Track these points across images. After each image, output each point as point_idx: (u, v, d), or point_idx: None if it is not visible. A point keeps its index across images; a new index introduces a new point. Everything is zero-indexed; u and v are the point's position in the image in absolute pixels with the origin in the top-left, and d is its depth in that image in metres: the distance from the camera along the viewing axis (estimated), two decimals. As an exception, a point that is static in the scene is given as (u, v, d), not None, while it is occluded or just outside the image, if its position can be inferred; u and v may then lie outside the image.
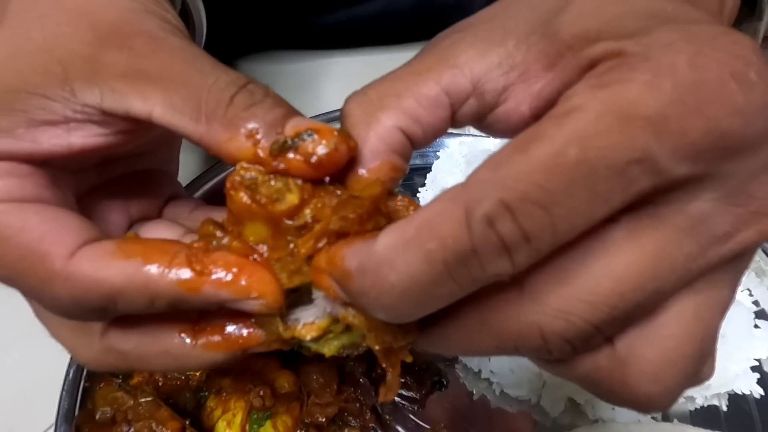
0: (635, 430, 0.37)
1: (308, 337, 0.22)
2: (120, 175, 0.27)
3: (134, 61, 0.21)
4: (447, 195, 0.17)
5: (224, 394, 0.33)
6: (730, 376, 0.38)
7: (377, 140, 0.21)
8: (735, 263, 0.19)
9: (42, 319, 0.25)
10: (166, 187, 0.29)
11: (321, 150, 0.20)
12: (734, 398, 0.40)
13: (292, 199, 0.20)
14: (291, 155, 0.20)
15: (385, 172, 0.21)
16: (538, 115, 0.20)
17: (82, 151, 0.22)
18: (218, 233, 0.21)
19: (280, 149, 0.20)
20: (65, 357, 0.36)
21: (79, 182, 0.25)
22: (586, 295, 0.18)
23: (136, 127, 0.23)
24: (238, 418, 0.33)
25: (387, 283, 0.17)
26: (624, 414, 0.38)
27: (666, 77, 0.16)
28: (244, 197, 0.20)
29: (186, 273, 0.20)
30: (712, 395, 0.39)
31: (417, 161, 0.56)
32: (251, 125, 0.20)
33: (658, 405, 0.19)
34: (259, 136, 0.20)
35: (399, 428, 0.38)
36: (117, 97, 0.21)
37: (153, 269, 0.20)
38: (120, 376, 0.37)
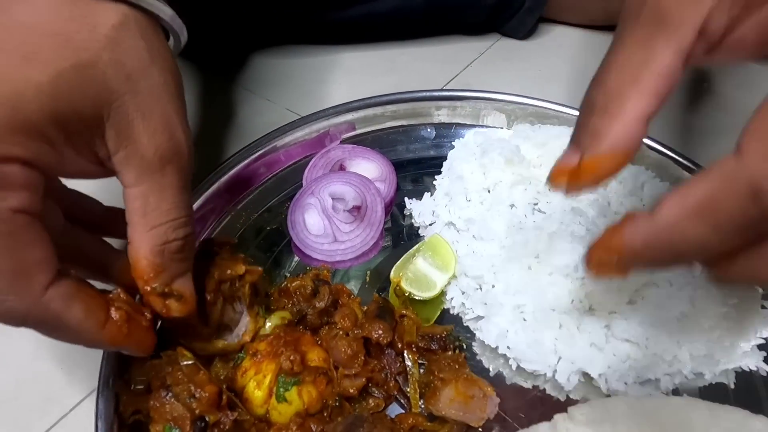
0: (647, 403, 0.38)
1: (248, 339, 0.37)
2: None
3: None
4: (719, 172, 0.21)
5: (259, 356, 0.35)
6: (738, 353, 0.40)
7: (622, 132, 0.25)
8: None
9: None
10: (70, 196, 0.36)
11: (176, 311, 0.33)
12: (741, 375, 0.41)
13: None
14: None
15: (621, 160, 0.26)
16: (765, 41, 0.24)
17: (78, 174, 0.29)
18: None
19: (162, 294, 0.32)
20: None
21: None
22: None
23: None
24: (267, 380, 0.34)
25: (675, 249, 0.23)
26: (636, 388, 0.40)
27: None
28: None
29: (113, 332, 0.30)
30: (721, 372, 0.41)
31: (431, 152, 0.58)
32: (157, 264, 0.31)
33: None
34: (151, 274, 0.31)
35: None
36: (119, 166, 0.28)
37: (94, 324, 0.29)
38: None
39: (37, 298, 0.26)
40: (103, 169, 0.29)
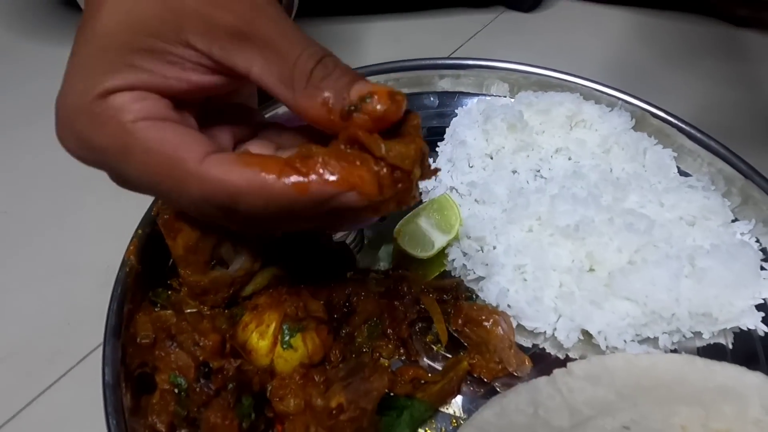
0: (645, 359, 0.39)
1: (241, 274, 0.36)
2: (220, 108, 0.32)
3: (239, 25, 0.26)
4: None
5: (259, 308, 0.36)
6: (737, 312, 0.40)
7: None
8: None
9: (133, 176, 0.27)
10: (255, 116, 0.34)
11: (380, 108, 0.25)
12: (739, 336, 0.42)
13: None
14: (356, 115, 0.25)
15: None
16: None
17: (198, 88, 0.27)
18: (314, 149, 0.26)
19: (348, 113, 0.26)
20: (104, 288, 0.38)
21: (195, 112, 0.30)
22: None
23: (240, 75, 0.27)
24: (272, 328, 0.35)
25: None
26: (634, 347, 0.40)
27: None
28: None
29: (295, 177, 0.25)
30: (719, 331, 0.41)
31: (434, 121, 0.58)
32: (325, 94, 0.26)
33: None
34: (331, 103, 0.26)
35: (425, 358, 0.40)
36: (225, 54, 0.26)
37: (268, 175, 0.25)
38: (158, 306, 0.40)
39: (197, 171, 0.25)
40: (227, 75, 0.28)
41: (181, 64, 0.26)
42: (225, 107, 0.33)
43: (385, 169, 0.26)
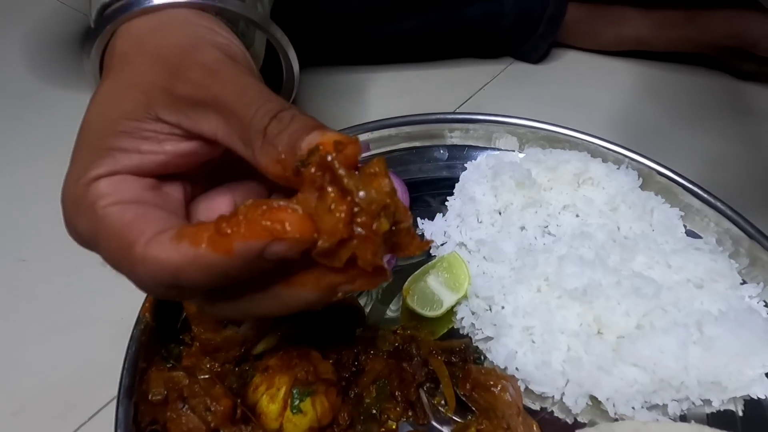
0: (654, 428, 0.39)
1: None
2: (231, 176, 0.32)
3: (196, 93, 0.27)
4: None
5: (270, 371, 0.36)
6: (746, 380, 0.40)
7: None
8: None
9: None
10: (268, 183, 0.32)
11: (329, 159, 0.24)
12: (750, 403, 0.41)
13: None
14: (304, 170, 0.24)
15: None
16: None
17: (179, 156, 0.28)
18: (244, 205, 0.24)
19: (296, 169, 0.25)
20: (117, 340, 0.39)
21: (193, 184, 0.31)
22: None
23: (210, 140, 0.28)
24: (282, 392, 0.35)
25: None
26: (643, 413, 0.40)
27: None
28: None
29: (220, 240, 0.23)
30: (729, 399, 0.41)
31: (443, 173, 0.59)
32: (279, 150, 0.25)
33: None
34: (285, 159, 0.25)
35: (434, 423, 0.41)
36: (192, 122, 0.27)
37: (198, 244, 0.24)
38: (170, 361, 0.41)
39: (143, 255, 0.25)
40: (205, 147, 0.29)
41: (155, 138, 0.28)
42: (240, 173, 0.32)
43: (334, 205, 0.23)
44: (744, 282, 0.47)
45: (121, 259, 0.26)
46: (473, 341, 0.45)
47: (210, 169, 0.32)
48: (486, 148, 0.60)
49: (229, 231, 0.23)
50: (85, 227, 0.27)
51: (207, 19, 0.31)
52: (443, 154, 0.60)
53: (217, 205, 0.31)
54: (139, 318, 0.40)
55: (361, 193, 0.23)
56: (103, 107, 0.28)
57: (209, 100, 0.27)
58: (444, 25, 0.68)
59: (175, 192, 0.30)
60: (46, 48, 0.74)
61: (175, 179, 0.30)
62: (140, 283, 0.27)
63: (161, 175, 0.29)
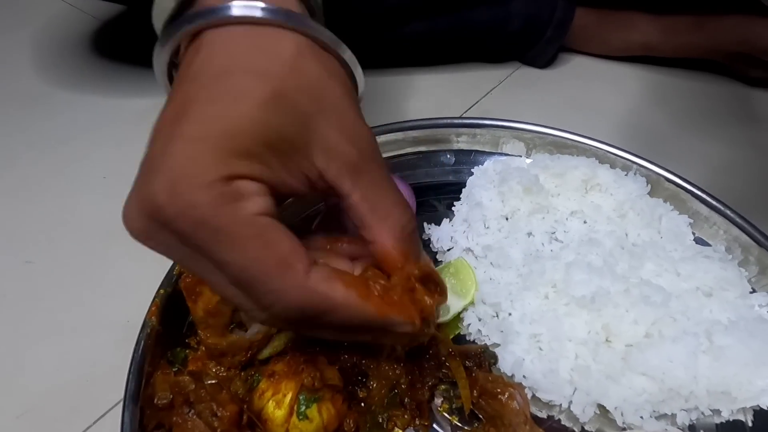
0: (662, 438, 0.38)
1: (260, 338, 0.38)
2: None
3: (357, 160, 0.30)
4: None
5: (276, 376, 0.36)
6: (756, 390, 0.40)
7: None
8: None
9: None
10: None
11: (429, 301, 0.34)
12: (760, 413, 0.41)
13: None
14: (419, 289, 0.33)
15: None
16: None
17: (291, 194, 0.29)
18: (387, 281, 0.32)
19: (413, 283, 0.34)
20: (123, 343, 0.39)
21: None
22: None
23: (339, 195, 0.31)
24: (288, 398, 0.35)
25: None
26: (652, 423, 0.40)
27: None
28: None
29: (378, 304, 0.30)
30: (738, 409, 0.41)
31: (450, 177, 0.59)
32: (409, 249, 0.33)
33: None
34: (408, 256, 0.33)
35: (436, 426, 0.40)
36: (336, 177, 0.29)
37: (361, 298, 0.29)
38: (176, 365, 0.41)
39: (304, 282, 0.27)
40: (314, 189, 0.30)
41: (296, 172, 0.28)
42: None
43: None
44: (753, 290, 0.47)
45: (272, 275, 0.26)
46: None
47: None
48: (493, 153, 0.59)
49: (377, 294, 0.31)
50: (228, 224, 0.25)
51: (326, 56, 0.31)
52: (450, 158, 0.60)
53: (313, 243, 0.34)
54: (145, 321, 0.40)
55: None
56: (262, 112, 0.26)
57: (364, 169, 0.30)
58: (451, 28, 0.68)
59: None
60: (54, 50, 0.74)
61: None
62: (280, 304, 0.27)
63: (282, 198, 0.29)
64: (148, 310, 0.41)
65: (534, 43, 0.72)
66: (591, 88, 0.73)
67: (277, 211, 0.28)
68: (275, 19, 0.28)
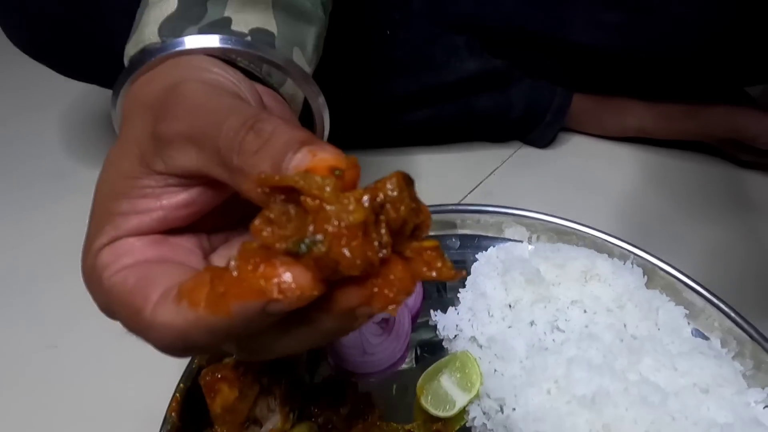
0: None
1: None
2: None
3: (174, 127, 0.25)
4: None
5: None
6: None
7: None
8: None
9: None
10: None
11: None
12: None
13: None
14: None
15: None
16: None
17: (174, 210, 0.26)
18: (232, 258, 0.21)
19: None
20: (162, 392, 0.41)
21: (213, 236, 0.30)
22: None
23: (209, 180, 0.25)
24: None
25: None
26: None
27: None
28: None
29: (215, 302, 0.21)
30: None
31: (456, 258, 0.62)
32: (260, 169, 0.21)
33: None
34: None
35: None
36: (172, 162, 0.25)
37: (197, 307, 0.21)
38: None
39: (151, 323, 0.23)
40: (211, 193, 0.27)
41: (151, 194, 0.26)
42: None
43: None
44: (749, 386, 0.49)
45: (134, 327, 0.25)
46: (485, 443, 0.46)
47: (233, 219, 0.30)
48: (496, 238, 0.62)
49: (222, 289, 0.20)
50: (100, 300, 0.26)
51: (201, 60, 0.29)
52: (455, 242, 0.63)
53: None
54: (166, 417, 0.42)
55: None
56: (106, 173, 0.27)
57: (185, 131, 0.24)
58: (456, 116, 0.73)
59: (185, 242, 0.28)
60: (81, 128, 0.78)
61: (187, 232, 0.28)
62: (158, 348, 0.25)
63: (165, 230, 0.27)
64: (169, 405, 0.43)
65: (534, 126, 0.76)
66: (589, 167, 0.76)
67: (145, 248, 0.26)
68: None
